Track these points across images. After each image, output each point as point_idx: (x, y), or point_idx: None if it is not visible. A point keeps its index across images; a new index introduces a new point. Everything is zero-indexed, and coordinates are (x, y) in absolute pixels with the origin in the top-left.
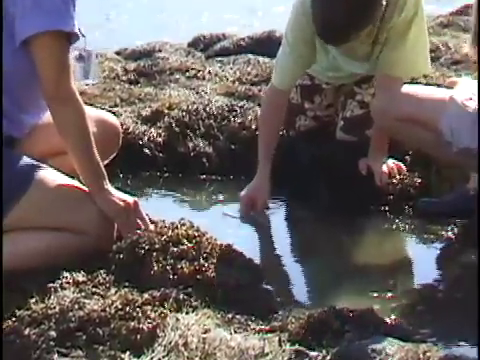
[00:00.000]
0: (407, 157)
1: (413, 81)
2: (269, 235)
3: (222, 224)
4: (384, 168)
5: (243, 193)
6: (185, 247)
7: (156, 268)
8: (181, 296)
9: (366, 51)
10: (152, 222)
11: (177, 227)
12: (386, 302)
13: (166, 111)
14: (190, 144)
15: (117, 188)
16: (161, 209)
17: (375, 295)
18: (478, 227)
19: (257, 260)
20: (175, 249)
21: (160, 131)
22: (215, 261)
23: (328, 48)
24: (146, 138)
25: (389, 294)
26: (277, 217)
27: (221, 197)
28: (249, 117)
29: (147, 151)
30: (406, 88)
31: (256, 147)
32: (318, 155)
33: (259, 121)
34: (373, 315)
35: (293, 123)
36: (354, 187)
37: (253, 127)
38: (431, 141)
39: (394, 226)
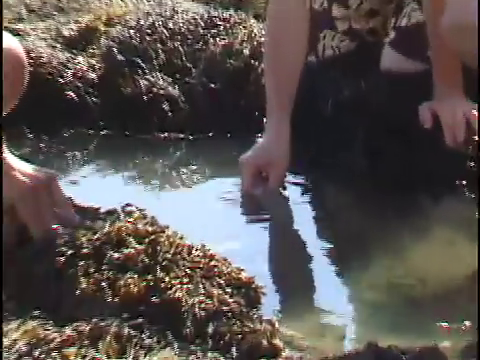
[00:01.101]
0: None
1: None
2: (279, 229)
3: (196, 212)
4: (460, 117)
5: (246, 158)
6: (132, 251)
7: (85, 285)
8: (126, 330)
9: None
10: (79, 209)
11: (119, 218)
12: (460, 336)
13: (103, 28)
14: (143, 82)
15: (21, 157)
16: (95, 189)
17: (443, 325)
18: (478, 226)
19: (254, 271)
20: (116, 254)
21: (94, 61)
22: (182, 273)
23: None
24: (70, 73)
25: (465, 324)
26: (293, 200)
27: (194, 167)
28: (239, 37)
29: (72, 94)
30: None
31: (252, 84)
32: (353, 96)
33: (266, 46)
34: (439, 356)
35: (314, 44)
36: (411, 150)
37: (246, 52)
38: None
39: (476, 213)
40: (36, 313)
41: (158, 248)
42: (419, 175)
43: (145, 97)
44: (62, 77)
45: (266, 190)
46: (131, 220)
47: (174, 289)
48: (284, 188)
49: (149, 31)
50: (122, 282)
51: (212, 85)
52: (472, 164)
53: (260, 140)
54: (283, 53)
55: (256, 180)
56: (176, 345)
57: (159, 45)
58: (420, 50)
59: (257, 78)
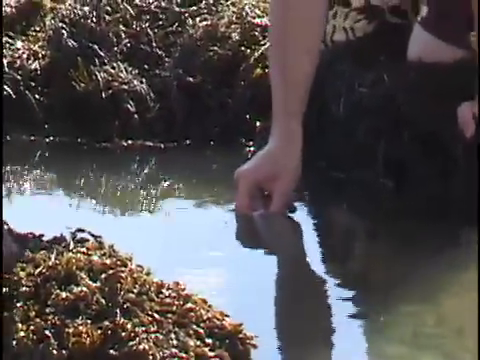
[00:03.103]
0: None
1: None
2: (279, 264)
3: (168, 241)
4: None
5: (244, 170)
6: (85, 289)
7: (23, 334)
8: None
9: None
10: (17, 237)
11: (68, 247)
12: None
13: (49, 4)
14: (101, 75)
15: None
16: (38, 211)
17: None
18: (478, 228)
19: (243, 316)
20: (64, 294)
21: (37, 47)
22: (149, 319)
23: None
24: (6, 62)
25: None
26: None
27: (166, 183)
28: (225, 17)
29: (9, 90)
30: None
31: (241, 78)
32: (371, 94)
33: (271, 26)
34: None
35: None
36: (449, 164)
37: (234, 37)
38: None
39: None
40: None
41: (118, 286)
42: (458, 198)
43: (103, 94)
44: None
45: (267, 212)
46: (83, 250)
47: (138, 339)
48: (292, 210)
49: (109, 8)
50: (71, 330)
51: (190, 79)
52: None
53: (264, 150)
54: (294, 35)
55: (255, 199)
56: None
57: (122, 27)
58: (462, 33)
59: (248, 70)
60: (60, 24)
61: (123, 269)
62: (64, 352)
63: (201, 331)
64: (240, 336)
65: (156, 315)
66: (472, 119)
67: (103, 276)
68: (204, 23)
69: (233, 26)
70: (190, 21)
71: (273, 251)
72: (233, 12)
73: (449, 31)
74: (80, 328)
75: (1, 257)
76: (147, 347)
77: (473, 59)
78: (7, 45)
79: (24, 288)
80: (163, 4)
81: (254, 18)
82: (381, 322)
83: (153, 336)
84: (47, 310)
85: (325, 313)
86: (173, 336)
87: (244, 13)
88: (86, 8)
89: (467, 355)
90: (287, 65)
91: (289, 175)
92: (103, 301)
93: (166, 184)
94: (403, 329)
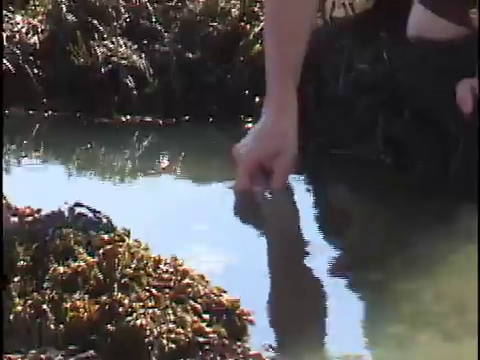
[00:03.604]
0: None
1: None
2: (275, 239)
3: (166, 216)
4: None
5: (246, 149)
6: (83, 264)
7: (21, 308)
8: None
9: None
10: (14, 211)
11: (66, 222)
12: None
13: None
14: (100, 49)
15: None
16: (36, 185)
17: None
18: (478, 226)
19: (240, 292)
20: (61, 269)
21: (36, 21)
22: (147, 294)
23: None
24: (5, 37)
25: None
26: (301, 203)
27: (165, 159)
28: None
29: (8, 64)
30: None
31: (241, 54)
32: (370, 71)
33: (268, 1)
34: None
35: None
36: (447, 141)
37: (234, 12)
38: None
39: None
40: None
41: (116, 261)
42: (457, 174)
43: (103, 69)
44: None
45: (269, 189)
46: (81, 225)
47: (135, 314)
48: (288, 186)
49: None
50: (69, 304)
51: (189, 55)
52: None
53: (256, 125)
54: (289, 8)
55: (255, 177)
56: None
57: (121, 1)
58: (461, 9)
59: (248, 46)
60: None
61: (121, 244)
62: (61, 326)
63: (198, 306)
64: (237, 312)
65: (153, 290)
66: (471, 96)
67: (101, 251)
68: None
69: (233, 1)
70: None
71: (271, 227)
72: None
73: (448, 8)
74: (77, 303)
75: (1, 258)
76: (144, 322)
77: (472, 36)
78: (6, 19)
79: (21, 262)
80: None
81: None
82: (379, 299)
83: (150, 311)
84: (44, 285)
85: (322, 290)
86: (170, 311)
87: None
88: None
89: (465, 332)
90: (281, 38)
91: (289, 150)
92: (101, 276)
93: (164, 160)
94: (401, 306)
